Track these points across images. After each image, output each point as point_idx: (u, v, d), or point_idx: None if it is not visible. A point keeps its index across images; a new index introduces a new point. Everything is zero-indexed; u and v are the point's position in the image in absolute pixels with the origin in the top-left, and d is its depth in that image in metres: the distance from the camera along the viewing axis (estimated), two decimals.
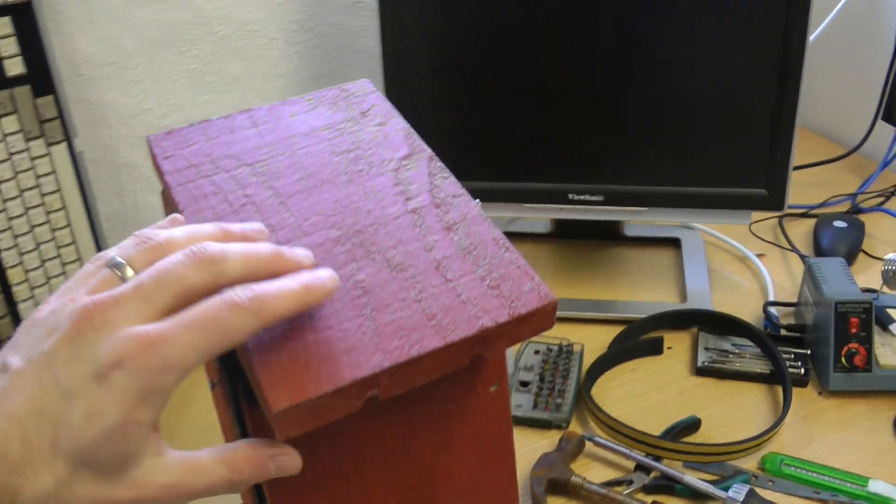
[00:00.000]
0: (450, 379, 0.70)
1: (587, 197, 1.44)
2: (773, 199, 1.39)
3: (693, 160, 1.40)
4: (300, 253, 0.66)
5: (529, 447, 1.25)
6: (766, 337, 1.37)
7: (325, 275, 0.64)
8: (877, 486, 1.19)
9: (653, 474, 1.23)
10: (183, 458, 0.62)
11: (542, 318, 0.68)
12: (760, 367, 1.35)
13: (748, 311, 1.46)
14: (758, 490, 1.20)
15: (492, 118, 1.42)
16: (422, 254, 0.70)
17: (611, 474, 1.24)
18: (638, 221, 1.59)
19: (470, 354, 0.65)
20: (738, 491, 1.18)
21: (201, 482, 0.62)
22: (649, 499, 1.20)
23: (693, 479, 1.20)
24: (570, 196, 1.44)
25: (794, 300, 1.46)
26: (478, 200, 0.75)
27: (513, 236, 1.58)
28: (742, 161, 1.38)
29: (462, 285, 0.67)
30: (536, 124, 1.41)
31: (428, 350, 0.63)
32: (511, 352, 1.38)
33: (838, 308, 1.29)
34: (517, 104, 1.40)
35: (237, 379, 0.67)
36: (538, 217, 1.58)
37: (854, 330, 1.29)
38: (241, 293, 0.59)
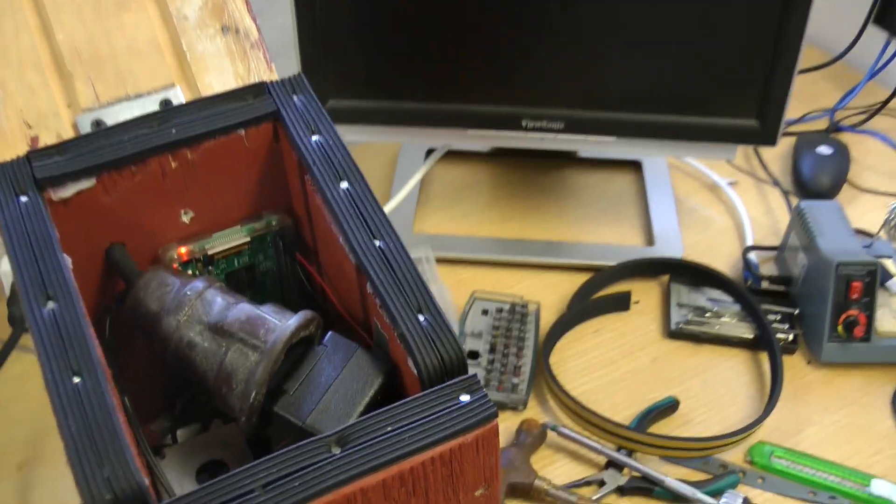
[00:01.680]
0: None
1: (544, 123, 1.17)
2: (766, 133, 1.14)
3: (671, 80, 1.14)
4: None
5: None
6: (749, 295, 1.15)
7: None
8: (880, 488, 1.00)
9: (626, 471, 1.03)
10: None
11: None
12: (743, 329, 1.13)
13: (724, 256, 1.23)
14: (746, 490, 1.01)
15: (429, 24, 1.12)
16: None
17: (578, 471, 1.03)
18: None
19: None
20: (732, 501, 0.99)
21: None
22: (625, 503, 1.01)
23: (675, 482, 0.99)
24: (524, 123, 1.17)
25: (774, 241, 1.24)
26: None
27: (445, 156, 1.32)
28: (730, 84, 1.13)
29: None
30: (482, 32, 1.11)
31: None
32: (455, 313, 1.14)
33: (840, 270, 1.07)
34: (459, 6, 1.11)
35: None
36: (485, 144, 1.32)
37: (855, 296, 1.08)
38: None
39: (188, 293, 0.72)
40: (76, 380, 0.62)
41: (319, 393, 0.67)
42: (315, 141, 0.74)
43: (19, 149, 0.75)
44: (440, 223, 1.27)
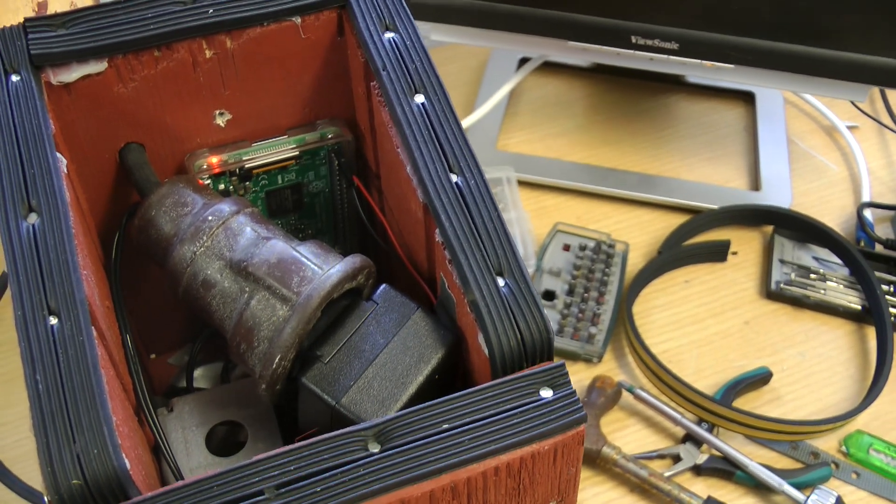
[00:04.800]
0: None
1: (656, 42, 0.96)
2: None
3: (806, 3, 0.92)
4: None
5: None
6: (862, 258, 0.94)
7: None
8: None
9: (705, 448, 0.85)
10: None
11: None
12: (850, 298, 0.93)
13: (836, 210, 1.02)
14: (837, 485, 0.83)
15: None
16: None
17: (651, 441, 0.85)
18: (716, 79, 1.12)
19: None
20: (823, 500, 0.81)
21: None
22: (700, 485, 0.83)
23: (760, 468, 0.81)
24: (634, 39, 0.96)
25: (895, 200, 1.03)
26: None
27: (538, 67, 1.11)
28: (875, 14, 0.91)
29: None
30: None
31: None
32: (533, 244, 0.95)
33: None
34: None
35: None
36: (585, 59, 1.11)
37: None
38: None
39: (210, 218, 0.54)
40: (52, 321, 0.44)
41: (361, 365, 0.49)
42: (388, 39, 0.55)
43: (23, 14, 0.56)
44: (526, 142, 1.07)
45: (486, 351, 0.47)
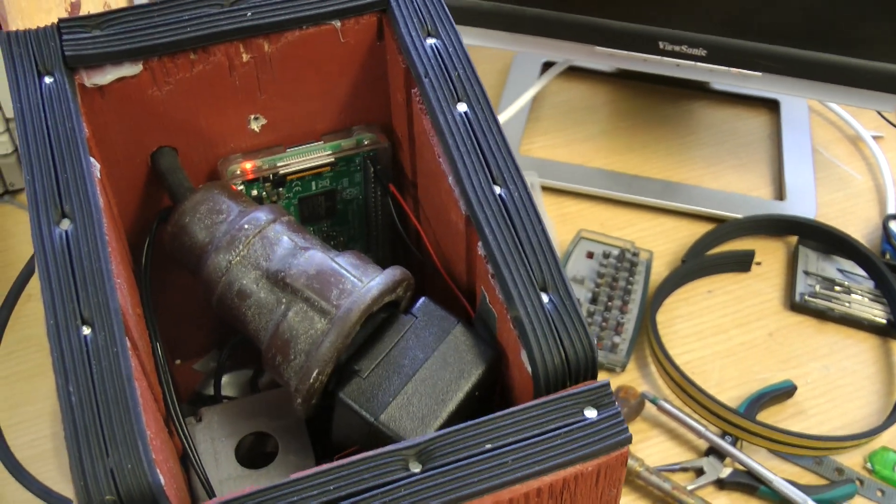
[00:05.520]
0: None
1: (684, 49, 0.95)
2: None
3: (838, 11, 0.90)
4: None
5: None
6: (888, 271, 0.93)
7: None
8: None
9: (729, 461, 0.83)
10: None
11: None
12: (875, 312, 0.92)
13: (861, 221, 1.00)
14: (863, 502, 0.81)
15: None
16: None
17: (674, 454, 0.84)
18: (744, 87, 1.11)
19: None
20: None
21: None
22: (723, 499, 0.81)
23: (785, 483, 0.79)
24: (661, 45, 0.95)
25: None
26: None
27: (564, 72, 1.10)
28: None
29: None
30: None
31: None
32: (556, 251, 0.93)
33: None
34: None
35: None
36: (610, 65, 1.09)
37: None
38: None
39: (246, 227, 0.52)
40: (86, 331, 0.43)
41: (401, 380, 0.48)
42: (431, 45, 0.53)
43: (55, 15, 0.55)
44: (550, 147, 1.05)
45: (530, 368, 0.45)
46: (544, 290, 0.47)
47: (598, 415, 0.45)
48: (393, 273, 0.51)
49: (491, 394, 0.50)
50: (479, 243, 0.48)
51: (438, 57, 0.53)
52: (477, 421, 0.44)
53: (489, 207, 0.48)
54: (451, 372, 0.49)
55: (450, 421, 0.47)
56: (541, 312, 0.46)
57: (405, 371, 0.48)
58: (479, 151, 0.50)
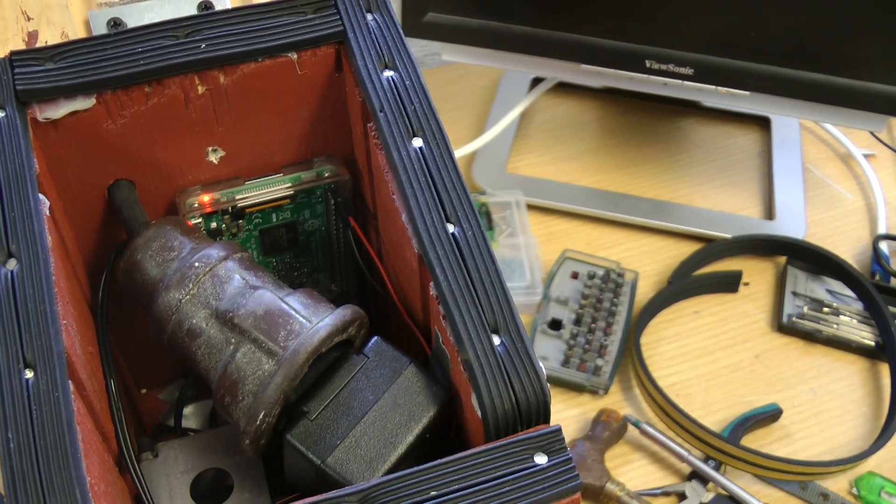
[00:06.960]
0: None
1: (671, 67, 0.93)
2: None
3: (825, 31, 0.88)
4: None
5: (553, 417, 0.82)
6: (876, 293, 0.91)
7: None
8: None
9: (711, 486, 0.82)
10: None
11: None
12: (864, 334, 0.90)
13: (851, 241, 0.98)
14: None
15: None
16: None
17: (657, 478, 0.82)
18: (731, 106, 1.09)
19: None
20: None
21: None
22: None
23: None
24: (648, 63, 0.93)
25: None
26: None
27: (550, 88, 1.08)
28: (894, 45, 0.88)
29: None
30: None
31: None
32: (540, 271, 0.92)
33: None
34: None
35: None
36: (599, 84, 1.07)
37: None
38: None
39: (196, 265, 0.51)
40: (28, 374, 0.42)
41: (350, 423, 0.46)
42: (388, 78, 0.52)
43: (11, 45, 0.54)
44: (536, 165, 1.04)
45: (479, 412, 0.44)
46: (496, 331, 0.45)
47: (549, 461, 0.43)
48: (343, 313, 0.49)
49: (445, 435, 0.49)
50: (431, 283, 0.47)
51: (395, 90, 0.51)
52: (423, 467, 0.42)
53: (441, 246, 0.47)
54: (401, 414, 0.47)
55: (399, 464, 0.46)
56: (491, 355, 0.45)
57: (354, 413, 0.47)
58: (432, 188, 0.48)
